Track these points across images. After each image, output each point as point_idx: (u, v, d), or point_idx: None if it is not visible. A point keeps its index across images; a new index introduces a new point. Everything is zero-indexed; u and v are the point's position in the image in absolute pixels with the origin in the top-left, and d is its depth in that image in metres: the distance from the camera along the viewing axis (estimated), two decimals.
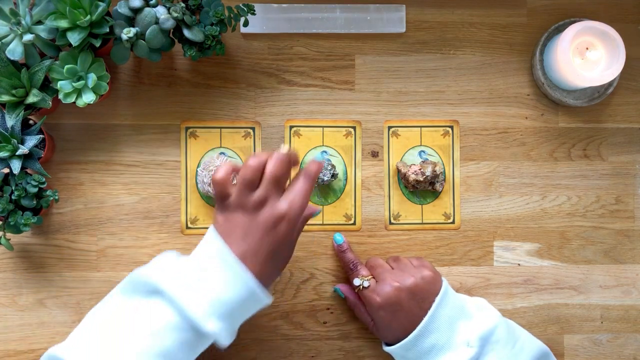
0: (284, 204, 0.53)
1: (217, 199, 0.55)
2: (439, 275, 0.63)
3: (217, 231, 0.54)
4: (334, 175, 0.65)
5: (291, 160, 0.55)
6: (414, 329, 0.59)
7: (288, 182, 0.56)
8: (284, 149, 0.55)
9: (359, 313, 0.66)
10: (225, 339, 0.51)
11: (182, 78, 0.68)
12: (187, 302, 0.49)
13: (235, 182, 0.55)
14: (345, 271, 0.67)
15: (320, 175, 0.64)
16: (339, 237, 0.67)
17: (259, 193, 0.53)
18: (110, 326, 0.50)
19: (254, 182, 0.53)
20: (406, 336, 0.60)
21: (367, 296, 0.62)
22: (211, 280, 0.51)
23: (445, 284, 0.62)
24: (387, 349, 0.63)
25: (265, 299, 0.54)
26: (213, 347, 0.52)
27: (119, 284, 0.54)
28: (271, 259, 0.54)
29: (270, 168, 0.54)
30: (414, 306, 0.60)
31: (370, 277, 0.63)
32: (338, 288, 0.67)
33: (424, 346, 0.59)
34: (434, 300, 0.60)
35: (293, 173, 0.60)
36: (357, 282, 0.63)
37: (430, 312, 0.59)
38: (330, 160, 0.66)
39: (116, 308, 0.52)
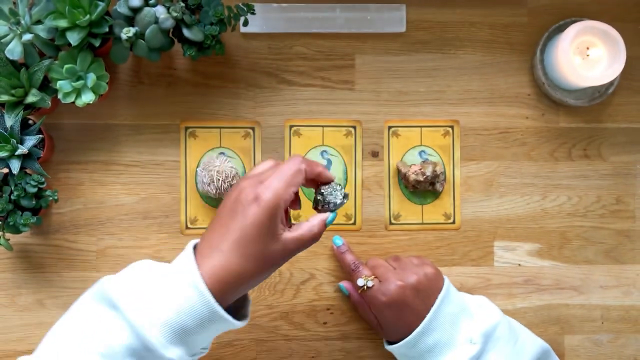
0: (254, 182, 0.48)
1: None
2: (441, 272, 0.62)
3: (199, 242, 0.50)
4: (345, 196, 0.54)
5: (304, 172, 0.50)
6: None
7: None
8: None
9: (363, 312, 0.65)
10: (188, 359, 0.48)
11: (182, 78, 0.68)
12: (141, 326, 0.45)
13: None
14: (347, 273, 0.66)
15: (331, 198, 0.53)
16: (338, 240, 0.67)
17: (242, 183, 0.49)
18: (76, 338, 0.46)
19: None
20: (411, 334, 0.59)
21: (371, 296, 0.62)
22: (170, 303, 0.46)
23: (447, 281, 0.61)
24: (389, 347, 0.63)
25: (228, 319, 0.47)
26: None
27: (91, 287, 0.50)
28: (238, 249, 0.46)
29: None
30: (418, 303, 0.59)
31: (373, 277, 0.63)
32: (343, 285, 0.67)
33: (427, 344, 0.59)
34: (437, 297, 0.59)
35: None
36: (360, 282, 0.62)
37: (433, 309, 0.59)
38: (339, 184, 0.54)
39: (84, 317, 0.48)
